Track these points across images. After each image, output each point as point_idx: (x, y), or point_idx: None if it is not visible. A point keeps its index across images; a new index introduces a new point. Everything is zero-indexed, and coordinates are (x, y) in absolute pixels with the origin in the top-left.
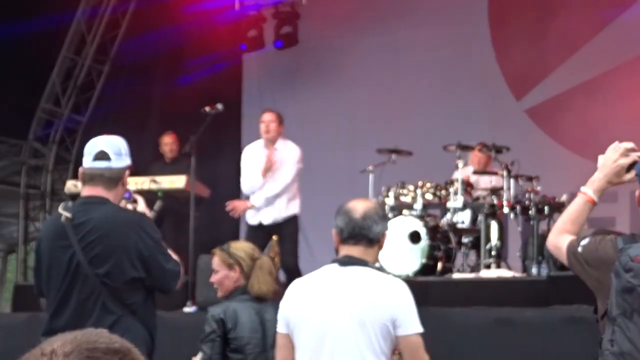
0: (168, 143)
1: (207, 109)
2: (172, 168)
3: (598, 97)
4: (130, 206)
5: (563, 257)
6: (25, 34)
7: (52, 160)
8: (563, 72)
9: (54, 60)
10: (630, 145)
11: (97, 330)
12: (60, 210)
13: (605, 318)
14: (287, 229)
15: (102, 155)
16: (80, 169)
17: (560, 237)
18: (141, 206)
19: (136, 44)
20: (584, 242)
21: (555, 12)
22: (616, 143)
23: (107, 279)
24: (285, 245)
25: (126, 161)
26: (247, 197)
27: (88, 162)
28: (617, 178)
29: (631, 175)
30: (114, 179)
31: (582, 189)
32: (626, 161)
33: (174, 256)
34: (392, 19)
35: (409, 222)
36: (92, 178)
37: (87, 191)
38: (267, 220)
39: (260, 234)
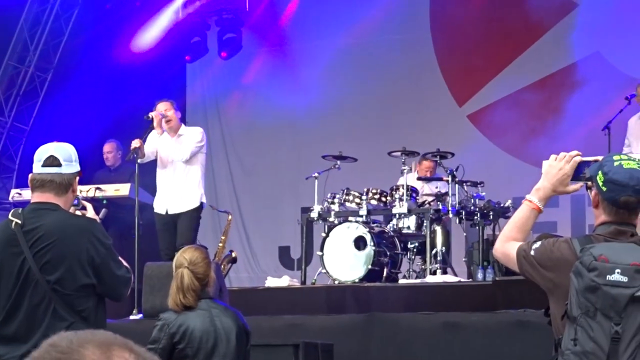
0: (107, 152)
1: (151, 114)
2: (115, 176)
3: (538, 102)
4: (79, 213)
5: (512, 263)
6: None
7: None
8: (504, 78)
9: None
10: (574, 153)
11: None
12: (10, 216)
13: (565, 318)
14: (189, 218)
15: (52, 161)
16: (30, 175)
17: (507, 244)
18: (90, 212)
19: (80, 52)
20: (536, 245)
21: (495, 20)
22: (563, 153)
23: (58, 285)
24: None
25: (76, 167)
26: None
27: (38, 167)
28: (563, 187)
29: (576, 186)
30: (64, 185)
31: (528, 197)
32: (572, 169)
33: (124, 263)
34: (334, 26)
35: (354, 228)
36: (42, 184)
37: (37, 197)
38: (169, 208)
39: (164, 223)
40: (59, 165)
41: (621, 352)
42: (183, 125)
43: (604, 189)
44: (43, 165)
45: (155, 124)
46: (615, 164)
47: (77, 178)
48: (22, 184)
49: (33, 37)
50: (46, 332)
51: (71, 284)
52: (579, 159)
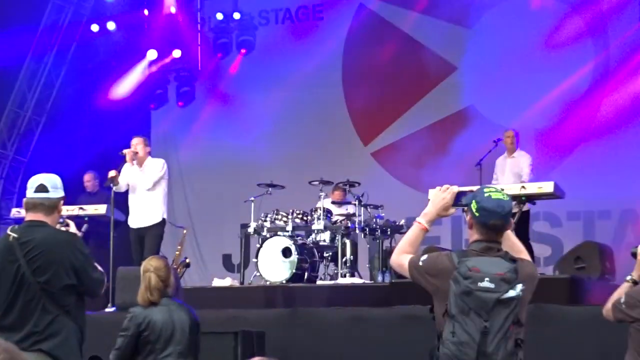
0: (87, 180)
1: (124, 151)
2: (94, 198)
3: (428, 143)
4: (63, 229)
5: (405, 271)
6: None
7: (0, 192)
8: (401, 124)
9: (1, 111)
10: (456, 187)
11: None
12: (8, 231)
13: (446, 315)
14: (154, 232)
15: (41, 188)
16: (25, 199)
17: (401, 257)
18: (72, 228)
19: (67, 100)
20: (424, 258)
21: (395, 77)
22: (446, 185)
23: (46, 285)
24: (150, 248)
25: (61, 193)
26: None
27: (30, 193)
28: (444, 211)
29: (453, 210)
30: (51, 207)
31: (418, 219)
32: (452, 198)
33: (99, 268)
34: (269, 81)
35: (282, 241)
36: (34, 206)
37: (30, 216)
38: (137, 223)
39: (135, 235)
40: (47, 191)
41: (489, 342)
42: (149, 157)
43: (477, 214)
44: (35, 191)
45: (127, 158)
46: (486, 194)
47: (62, 201)
48: (21, 204)
49: (30, 88)
50: (37, 322)
51: (57, 284)
52: (457, 189)
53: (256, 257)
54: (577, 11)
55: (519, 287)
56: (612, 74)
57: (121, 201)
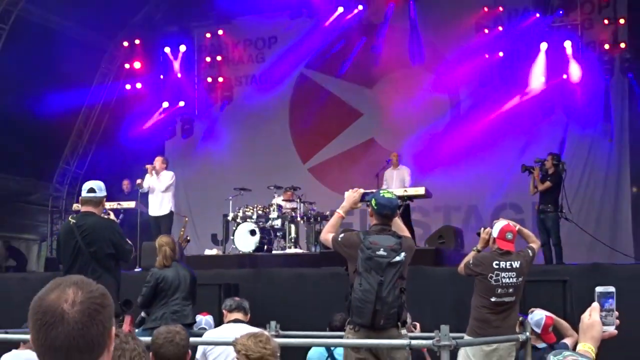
0: (124, 185)
1: (147, 166)
2: (127, 197)
3: (348, 162)
4: (106, 217)
5: (329, 244)
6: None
7: (65, 193)
8: (330, 147)
9: (67, 140)
10: (362, 189)
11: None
12: (70, 218)
13: (355, 273)
14: (166, 219)
15: (91, 190)
16: (80, 197)
17: (327, 235)
18: (112, 217)
19: (109, 132)
20: (341, 235)
21: (323, 118)
22: (356, 188)
23: (94, 254)
24: (163, 229)
25: (104, 193)
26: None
27: (84, 193)
28: (355, 205)
29: (361, 204)
30: (98, 202)
31: (337, 210)
32: (359, 196)
33: (129, 242)
34: (237, 117)
35: (250, 225)
36: (86, 202)
37: (84, 209)
38: (154, 213)
39: (153, 221)
40: (95, 192)
41: (383, 290)
42: (164, 170)
43: (375, 207)
44: (87, 192)
45: (149, 171)
46: (381, 194)
47: (105, 198)
48: (78, 201)
49: (85, 125)
50: (89, 277)
51: (101, 253)
52: (362, 191)
53: (233, 235)
54: (435, 73)
55: (403, 254)
56: (463, 117)
57: (145, 199)
